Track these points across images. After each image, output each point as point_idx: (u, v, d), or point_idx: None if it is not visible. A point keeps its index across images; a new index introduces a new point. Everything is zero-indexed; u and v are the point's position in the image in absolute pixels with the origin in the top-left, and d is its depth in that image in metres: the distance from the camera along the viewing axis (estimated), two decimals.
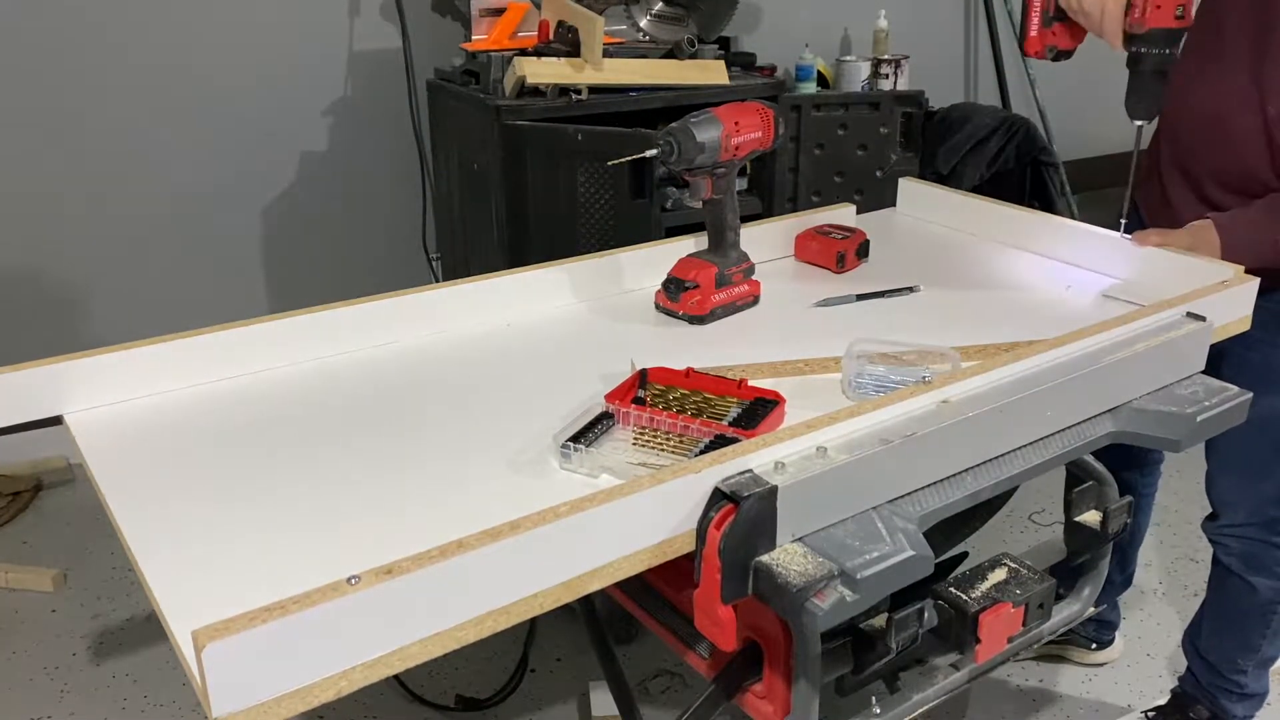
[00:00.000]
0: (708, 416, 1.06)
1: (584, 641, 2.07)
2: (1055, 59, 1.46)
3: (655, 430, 1.05)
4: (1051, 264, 1.48)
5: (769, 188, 2.68)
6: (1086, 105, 3.97)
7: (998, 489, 1.03)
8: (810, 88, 3.01)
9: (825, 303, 1.38)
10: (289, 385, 1.17)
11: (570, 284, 1.39)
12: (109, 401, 1.12)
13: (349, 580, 0.72)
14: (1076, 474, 1.19)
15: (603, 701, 1.95)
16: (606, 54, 2.35)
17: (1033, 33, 1.43)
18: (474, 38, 2.64)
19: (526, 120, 2.30)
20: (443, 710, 1.95)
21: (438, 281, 2.37)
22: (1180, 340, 1.15)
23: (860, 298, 1.38)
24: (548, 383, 1.16)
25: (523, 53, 2.41)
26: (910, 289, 1.40)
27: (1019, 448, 1.05)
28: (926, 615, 1.01)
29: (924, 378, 1.03)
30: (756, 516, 0.86)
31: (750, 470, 0.89)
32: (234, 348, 1.18)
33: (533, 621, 1.97)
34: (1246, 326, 1.31)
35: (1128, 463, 1.77)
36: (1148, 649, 2.12)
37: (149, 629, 2.18)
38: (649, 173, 2.17)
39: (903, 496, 0.96)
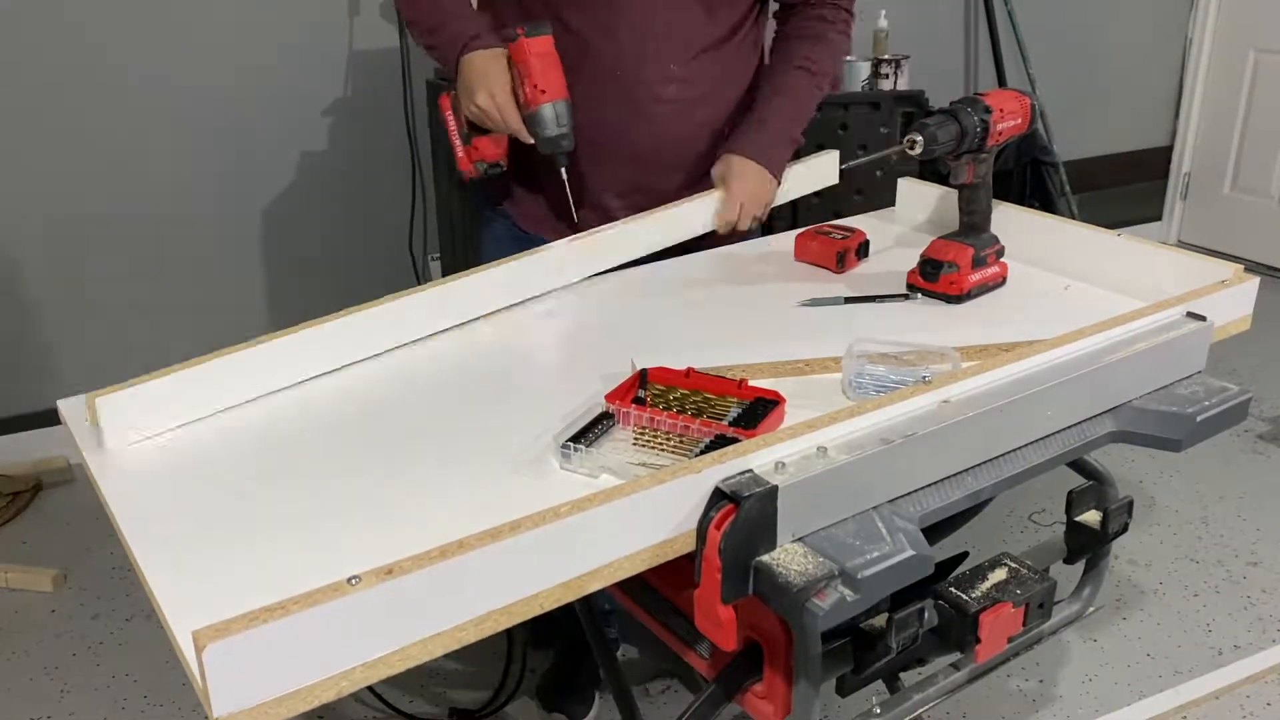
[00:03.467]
0: (708, 416, 1.06)
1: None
2: (489, 172, 1.52)
3: (655, 430, 1.05)
4: (1050, 263, 1.48)
5: None
6: (1086, 105, 3.98)
7: (998, 489, 1.03)
8: None
9: (813, 302, 1.38)
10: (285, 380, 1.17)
11: (568, 276, 1.39)
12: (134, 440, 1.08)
13: (349, 580, 0.72)
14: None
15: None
16: None
17: (459, 154, 1.51)
18: None
19: None
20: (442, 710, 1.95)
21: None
22: (1180, 340, 1.15)
23: (848, 300, 1.39)
24: (548, 383, 1.16)
25: None
26: (905, 296, 1.39)
27: (1019, 448, 1.05)
28: (927, 615, 1.01)
29: (924, 378, 1.03)
30: (757, 516, 0.86)
31: (750, 470, 0.88)
32: (236, 366, 1.17)
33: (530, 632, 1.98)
34: (1246, 326, 1.31)
35: None
36: (1148, 649, 2.12)
37: (149, 629, 2.18)
38: None
39: (903, 496, 0.96)
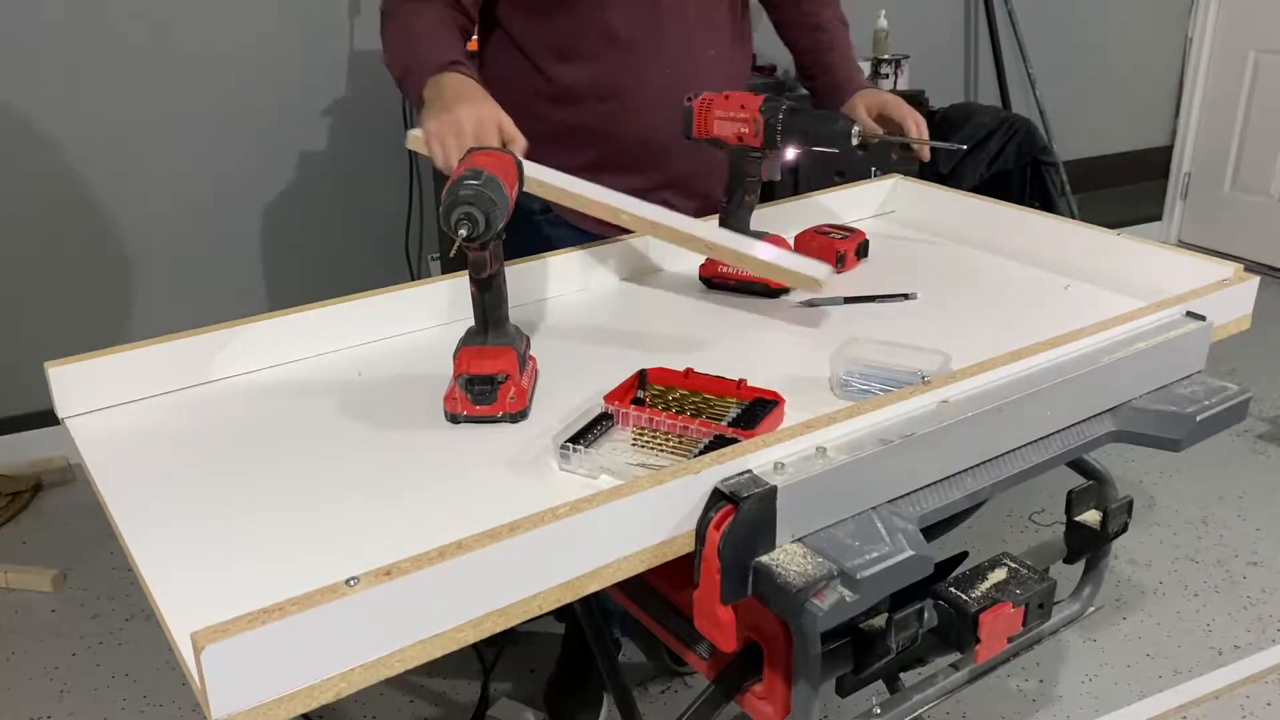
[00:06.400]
0: (707, 417, 1.06)
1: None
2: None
3: (654, 431, 1.04)
4: (1050, 263, 1.48)
5: (769, 187, 2.68)
6: (1086, 105, 3.98)
7: (998, 489, 1.03)
8: None
9: (813, 302, 1.38)
10: (286, 383, 1.17)
11: (566, 276, 1.39)
12: (107, 404, 1.12)
13: (348, 582, 0.72)
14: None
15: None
16: None
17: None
18: (474, 38, 2.63)
19: None
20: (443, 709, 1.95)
21: None
22: (1180, 340, 1.15)
23: (847, 300, 1.38)
24: (547, 383, 1.16)
25: None
26: (905, 296, 1.39)
27: (1019, 447, 1.05)
28: (926, 615, 1.01)
29: (923, 378, 1.03)
30: (756, 517, 0.86)
31: (750, 470, 0.88)
32: (230, 346, 1.19)
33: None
34: (1246, 326, 1.31)
35: None
36: (1147, 649, 2.12)
37: (149, 629, 2.18)
38: None
39: (902, 496, 0.96)
